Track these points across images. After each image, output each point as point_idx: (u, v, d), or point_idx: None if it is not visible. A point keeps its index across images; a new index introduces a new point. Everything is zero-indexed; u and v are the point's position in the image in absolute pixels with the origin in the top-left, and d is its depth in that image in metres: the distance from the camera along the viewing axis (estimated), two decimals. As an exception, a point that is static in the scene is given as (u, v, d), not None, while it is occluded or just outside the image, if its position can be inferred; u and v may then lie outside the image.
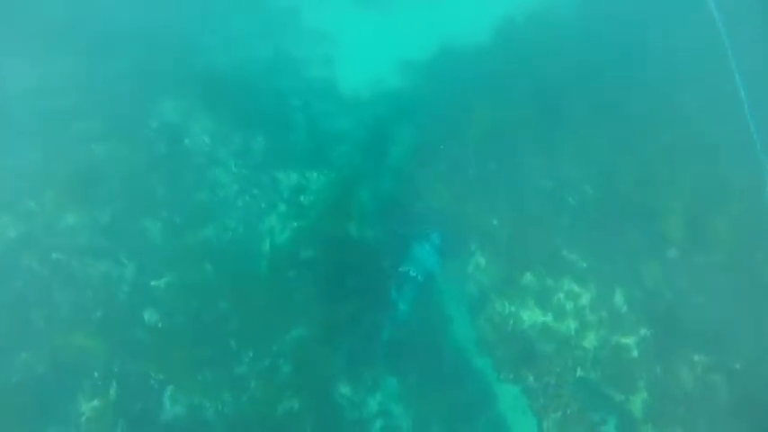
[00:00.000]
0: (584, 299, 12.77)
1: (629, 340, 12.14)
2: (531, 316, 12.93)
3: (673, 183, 13.65)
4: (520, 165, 14.99)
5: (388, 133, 17.54)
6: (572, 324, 12.63)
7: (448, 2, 21.24)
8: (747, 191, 13.28)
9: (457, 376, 13.26)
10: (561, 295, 12.89)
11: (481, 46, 18.67)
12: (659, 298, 12.37)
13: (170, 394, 12.97)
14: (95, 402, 12.66)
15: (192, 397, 12.94)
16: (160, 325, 13.56)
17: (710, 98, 14.69)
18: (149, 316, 13.69)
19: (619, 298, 12.60)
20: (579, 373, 12.21)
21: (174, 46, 19.29)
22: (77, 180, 15.50)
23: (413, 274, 14.02)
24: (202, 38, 19.95)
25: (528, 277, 13.32)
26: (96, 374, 12.90)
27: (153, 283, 14.17)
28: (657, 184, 13.69)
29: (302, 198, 15.85)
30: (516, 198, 14.44)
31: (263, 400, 13.08)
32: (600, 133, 14.89)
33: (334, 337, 13.68)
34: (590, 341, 12.35)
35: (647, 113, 14.84)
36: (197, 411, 12.82)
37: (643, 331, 12.17)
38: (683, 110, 14.64)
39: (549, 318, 12.80)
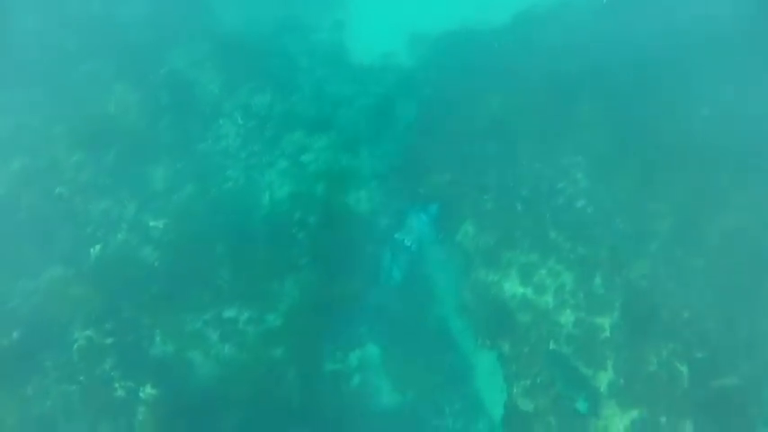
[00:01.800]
0: (565, 278, 13.31)
1: (603, 321, 12.74)
2: (513, 287, 13.51)
3: (669, 185, 14.02)
4: (519, 149, 15.38)
5: (392, 104, 17.80)
6: (551, 300, 13.20)
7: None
8: (744, 206, 13.45)
9: (437, 339, 13.85)
10: (544, 272, 13.44)
11: (495, 32, 18.90)
12: (637, 287, 12.94)
13: (161, 331, 13.43)
14: (88, 332, 13.12)
15: (182, 336, 13.39)
16: (156, 264, 13.99)
17: (720, 112, 14.83)
18: (146, 254, 14.12)
19: (598, 282, 13.16)
20: (552, 345, 12.81)
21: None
22: (84, 120, 15.84)
23: (406, 242, 14.52)
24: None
25: (513, 251, 13.86)
26: (91, 306, 13.34)
27: (152, 223, 14.58)
28: (653, 184, 14.13)
29: (303, 157, 16.20)
30: (511, 178, 14.88)
31: (249, 345, 13.56)
32: (603, 129, 15.21)
33: (324, 295, 14.10)
34: (566, 318, 12.94)
35: (653, 117, 15.08)
36: (185, 350, 13.28)
37: (617, 315, 12.74)
38: (689, 118, 14.79)
39: (529, 291, 13.38)
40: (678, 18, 17.08)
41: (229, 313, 13.74)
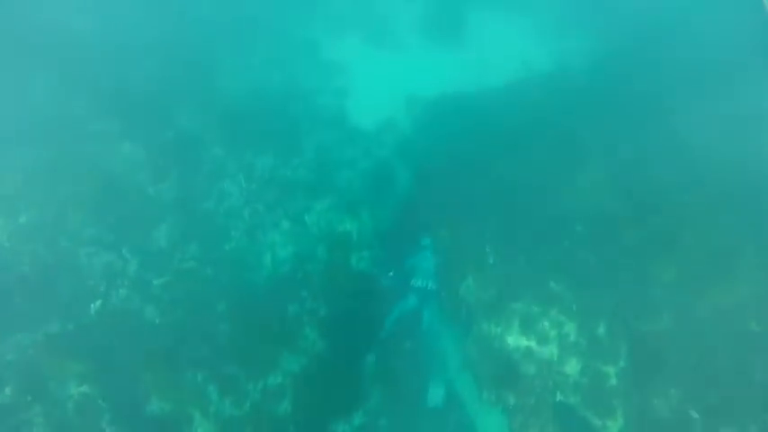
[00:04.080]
0: (568, 327, 13.32)
1: (608, 369, 12.66)
2: (516, 340, 13.45)
3: (674, 241, 14.28)
4: (517, 205, 15.70)
5: (392, 166, 18.39)
6: (554, 350, 13.13)
7: (463, 48, 22.66)
8: (757, 268, 13.46)
9: (440, 393, 13.69)
10: (546, 323, 13.46)
11: (489, 94, 19.69)
12: (641, 332, 12.94)
13: (159, 387, 13.17)
14: (84, 388, 12.86)
15: (181, 394, 13.16)
16: (157, 321, 13.90)
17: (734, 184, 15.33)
18: (147, 311, 14.05)
19: (602, 329, 13.15)
20: (559, 396, 12.64)
21: (196, 65, 20.22)
22: (90, 177, 16.06)
23: (408, 300, 14.71)
24: (225, 61, 20.90)
25: (515, 304, 13.89)
26: (89, 362, 13.12)
27: (154, 281, 14.58)
28: (658, 242, 14.36)
29: (306, 218, 16.44)
30: (510, 230, 15.11)
31: (250, 404, 13.35)
32: (607, 187, 15.63)
33: (326, 354, 14.10)
34: (571, 367, 12.83)
35: (663, 178, 15.59)
36: (183, 408, 13.03)
37: (623, 362, 12.69)
38: (701, 178, 15.25)
39: (532, 342, 13.33)
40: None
41: (230, 370, 13.55)
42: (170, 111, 18.42)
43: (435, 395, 13.65)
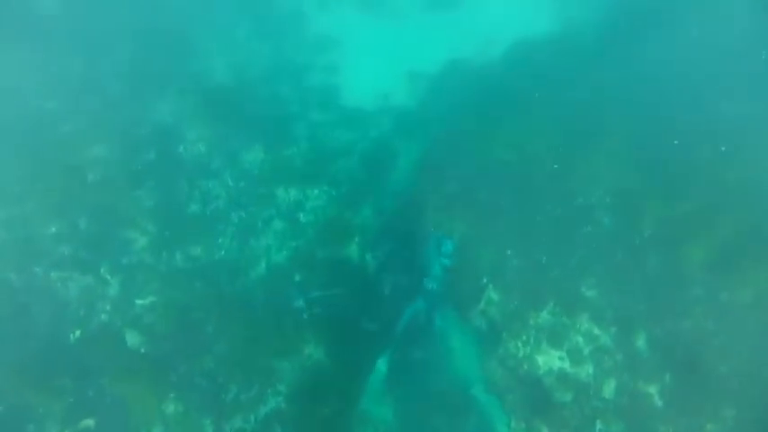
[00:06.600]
0: (603, 340, 11.90)
1: (651, 389, 11.27)
2: (547, 360, 12.02)
3: (707, 223, 12.88)
4: (532, 189, 14.11)
5: (393, 149, 16.66)
6: (590, 369, 11.74)
7: (462, 16, 20.44)
8: None
9: (464, 425, 12.33)
10: (579, 338, 12.00)
11: (495, 64, 17.88)
12: (682, 337, 11.50)
13: (148, 419, 12.01)
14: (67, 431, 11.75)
15: (173, 428, 12.01)
16: (143, 350, 12.63)
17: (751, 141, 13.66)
18: (131, 337, 12.78)
19: (641, 341, 11.71)
20: (599, 426, 11.33)
21: (172, 47, 18.46)
22: (62, 187, 14.65)
23: (419, 307, 13.16)
24: (202, 40, 19.09)
25: (543, 315, 12.44)
26: (71, 400, 11.98)
27: (138, 301, 13.27)
28: (684, 220, 12.82)
29: (301, 216, 14.96)
30: (529, 226, 13.54)
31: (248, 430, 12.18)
32: (624, 163, 13.99)
33: (328, 371, 12.76)
34: (609, 389, 11.46)
35: (684, 148, 13.91)
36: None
37: (667, 377, 11.29)
38: (721, 150, 13.63)
39: (566, 363, 11.89)
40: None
41: (225, 396, 12.36)
42: (145, 103, 16.78)
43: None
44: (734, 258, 12.42)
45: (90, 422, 11.84)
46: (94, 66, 17.71)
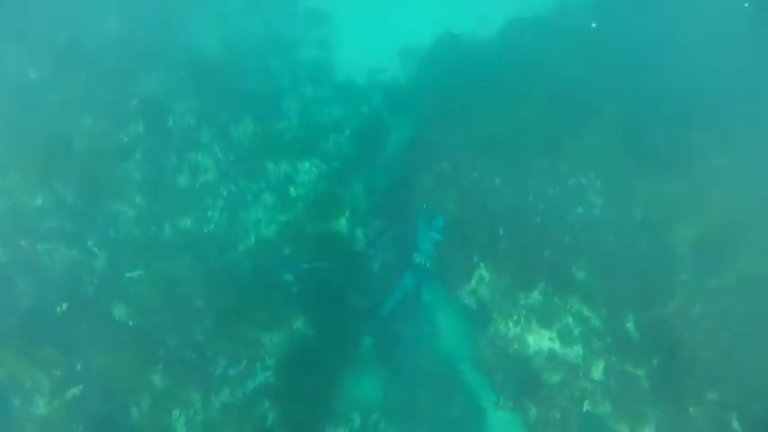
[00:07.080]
0: (593, 322, 11.89)
1: (639, 371, 11.32)
2: (537, 341, 12.01)
3: (690, 203, 12.80)
4: (525, 169, 14.02)
5: (385, 125, 16.55)
6: (579, 350, 11.74)
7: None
8: None
9: (451, 402, 12.35)
10: (570, 319, 11.98)
11: (488, 41, 17.69)
12: (671, 325, 11.53)
13: (136, 395, 11.93)
14: (55, 404, 11.63)
15: (161, 401, 11.93)
16: (131, 323, 12.51)
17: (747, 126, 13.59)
18: (119, 312, 12.64)
19: (630, 322, 11.73)
20: (587, 406, 11.37)
21: (161, 18, 18.08)
22: (49, 158, 14.36)
23: (408, 283, 13.07)
24: (192, 12, 18.71)
25: (534, 295, 12.39)
26: (58, 373, 11.85)
27: (127, 275, 13.11)
28: (673, 203, 12.82)
29: (291, 190, 14.83)
30: (521, 206, 13.45)
31: (236, 406, 12.10)
32: (614, 142, 13.93)
33: (316, 345, 12.71)
34: (597, 371, 11.49)
35: (671, 129, 13.85)
36: (165, 416, 11.82)
37: (655, 361, 11.33)
38: (714, 128, 13.58)
39: (555, 344, 11.89)
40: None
41: (213, 369, 12.30)
42: (134, 74, 16.43)
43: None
44: (721, 243, 12.46)
45: (76, 390, 11.75)
46: (80, 36, 17.27)
